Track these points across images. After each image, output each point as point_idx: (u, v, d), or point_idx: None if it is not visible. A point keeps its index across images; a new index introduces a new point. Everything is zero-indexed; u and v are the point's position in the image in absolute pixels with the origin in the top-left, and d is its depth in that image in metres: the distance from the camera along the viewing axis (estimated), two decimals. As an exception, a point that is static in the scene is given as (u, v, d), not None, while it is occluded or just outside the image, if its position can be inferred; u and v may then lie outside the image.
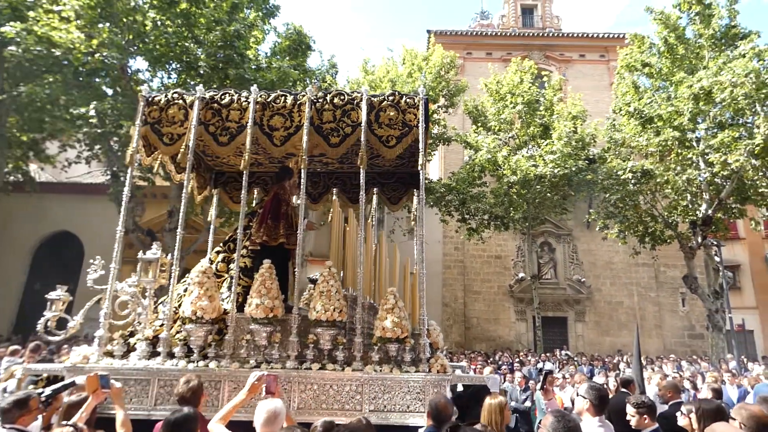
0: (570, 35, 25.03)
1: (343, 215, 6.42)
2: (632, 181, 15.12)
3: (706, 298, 15.07)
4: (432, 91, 17.09)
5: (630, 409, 3.29)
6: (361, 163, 5.02)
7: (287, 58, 15.31)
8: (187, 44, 12.90)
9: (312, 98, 5.05)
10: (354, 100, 5.13)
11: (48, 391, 3.31)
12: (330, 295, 4.68)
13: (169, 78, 14.16)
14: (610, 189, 15.78)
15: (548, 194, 17.08)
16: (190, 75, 13.33)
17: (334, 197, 6.86)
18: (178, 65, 13.40)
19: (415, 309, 5.26)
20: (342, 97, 5.16)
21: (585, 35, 24.91)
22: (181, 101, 5.12)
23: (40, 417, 3.28)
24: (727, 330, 15.17)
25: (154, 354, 4.63)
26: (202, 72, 12.87)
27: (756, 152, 12.80)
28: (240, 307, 4.82)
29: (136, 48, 13.23)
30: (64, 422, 3.00)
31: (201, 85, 13.11)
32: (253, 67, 14.03)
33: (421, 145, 5.09)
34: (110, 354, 4.67)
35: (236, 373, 4.41)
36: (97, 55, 12.37)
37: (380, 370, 4.48)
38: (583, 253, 21.51)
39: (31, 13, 12.03)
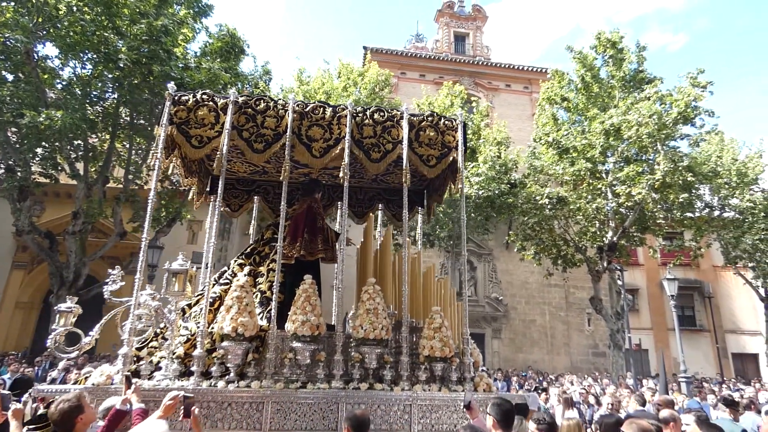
0: (498, 65, 26.45)
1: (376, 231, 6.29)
2: (548, 207, 16.07)
3: (609, 319, 16.25)
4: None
5: (531, 425, 3.42)
6: (405, 181, 5.05)
7: (218, 59, 14.69)
8: (106, 34, 11.95)
9: (352, 112, 5.03)
10: (394, 117, 5.18)
11: None
12: (377, 313, 4.57)
13: (83, 68, 13.03)
14: (529, 213, 16.67)
15: (472, 215, 17.73)
16: (108, 67, 12.35)
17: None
18: (95, 56, 12.36)
19: (455, 328, 5.19)
20: (382, 114, 5.18)
21: (511, 66, 26.44)
22: (211, 103, 4.84)
23: None
24: (626, 349, 16.44)
25: (183, 374, 4.30)
26: (122, 65, 11.97)
27: (656, 187, 14.12)
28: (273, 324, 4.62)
29: (45, 32, 12.05)
30: None
31: (120, 78, 12.13)
32: (181, 65, 13.29)
33: (460, 166, 5.20)
34: (137, 373, 4.30)
35: (281, 393, 4.20)
36: (-3, 36, 11.12)
37: (428, 389, 4.47)
38: (501, 272, 22.49)
39: None
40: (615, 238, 15.69)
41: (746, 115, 79.43)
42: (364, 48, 24.85)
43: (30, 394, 4.06)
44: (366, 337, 4.47)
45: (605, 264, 16.16)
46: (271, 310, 4.66)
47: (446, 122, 5.30)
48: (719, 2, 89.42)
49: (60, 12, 11.84)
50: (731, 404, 5.85)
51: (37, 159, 13.39)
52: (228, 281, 5.25)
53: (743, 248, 18.48)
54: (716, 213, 18.10)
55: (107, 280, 4.54)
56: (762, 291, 20.36)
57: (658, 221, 15.47)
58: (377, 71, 18.71)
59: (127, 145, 14.41)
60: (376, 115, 5.14)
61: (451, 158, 5.21)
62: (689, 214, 16.33)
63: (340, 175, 4.92)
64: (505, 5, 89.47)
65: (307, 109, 5.01)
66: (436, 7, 28.82)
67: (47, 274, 14.60)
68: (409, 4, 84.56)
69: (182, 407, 3.28)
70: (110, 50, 11.90)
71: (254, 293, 5.12)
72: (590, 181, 15.69)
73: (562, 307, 22.50)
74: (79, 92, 12.61)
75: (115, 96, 13.36)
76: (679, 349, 14.56)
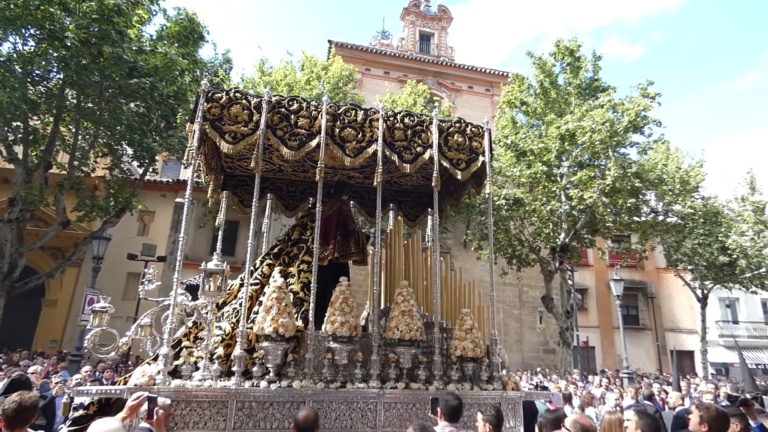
0: (462, 66, 26.78)
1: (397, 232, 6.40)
2: (505, 208, 16.41)
3: (559, 317, 16.81)
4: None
5: (479, 416, 3.63)
6: (436, 184, 5.21)
7: (175, 44, 14.15)
8: (51, 10, 11.22)
9: (384, 116, 5.23)
10: (423, 122, 5.40)
11: None
12: (412, 315, 4.74)
13: (24, 45, 12.18)
14: (486, 213, 16.96)
15: (432, 214, 17.85)
16: (53, 45, 11.62)
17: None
18: (38, 32, 11.58)
19: (482, 329, 5.32)
20: (412, 118, 5.40)
21: (475, 69, 26.83)
22: (244, 101, 4.93)
23: None
24: (575, 346, 17.06)
25: (224, 374, 4.37)
26: (69, 44, 11.27)
27: (606, 191, 14.70)
28: (306, 325, 4.72)
29: (-19, 4, 11.19)
30: None
31: (66, 57, 11.41)
32: (134, 48, 12.69)
33: (488, 171, 5.45)
34: (178, 374, 4.29)
35: (321, 393, 4.34)
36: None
37: (461, 388, 4.68)
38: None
39: None
40: (567, 240, 16.22)
41: (709, 121, 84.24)
42: (329, 42, 24.58)
43: (68, 393, 3.96)
44: (402, 338, 4.64)
45: (557, 264, 16.68)
46: (304, 310, 4.83)
47: (473, 129, 5.54)
48: (672, 17, 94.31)
49: (-1, -17, 11.03)
50: (744, 403, 5.61)
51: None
52: (258, 281, 5.36)
53: (683, 252, 19.58)
54: (660, 218, 19.07)
55: (144, 280, 4.50)
56: (699, 292, 21.61)
57: (607, 224, 16.10)
58: (341, 66, 18.54)
59: (73, 129, 13.63)
60: (406, 120, 5.36)
61: (479, 163, 5.45)
62: (636, 219, 17.08)
63: (376, 179, 5.06)
64: (471, 7, 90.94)
65: (340, 111, 5.17)
66: (402, 4, 28.86)
67: (-21, 264, 13.63)
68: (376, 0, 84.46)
69: (147, 408, 3.27)
70: (56, 27, 11.19)
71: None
72: (545, 183, 16.12)
73: (516, 305, 23.10)
74: (20, 70, 11.81)
75: (61, 76, 12.59)
76: (623, 346, 15.22)
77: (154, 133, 14.18)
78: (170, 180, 20.68)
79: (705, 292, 21.39)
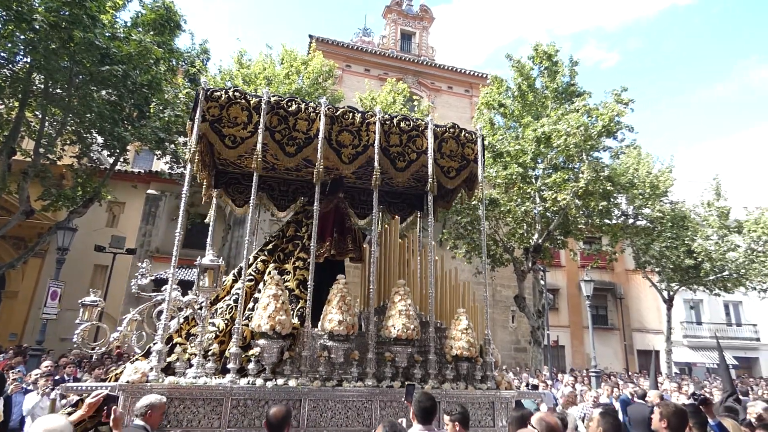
0: (442, 67, 26.92)
1: (391, 231, 6.34)
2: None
3: (531, 316, 17.08)
4: (308, 97, 16.86)
5: (446, 417, 3.66)
6: (432, 190, 5.19)
7: (151, 32, 13.76)
8: (19, -10, 10.76)
9: (380, 119, 5.17)
10: (419, 127, 5.35)
11: None
12: (409, 314, 4.76)
13: (-11, 25, 11.66)
14: (462, 212, 17.12)
15: (409, 212, 17.87)
16: (20, 28, 11.11)
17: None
18: (4, 13, 11.08)
19: (476, 328, 5.39)
20: (408, 123, 5.32)
21: (455, 69, 27.00)
22: (243, 101, 4.82)
23: None
24: (545, 345, 17.36)
25: (218, 371, 4.31)
26: (37, 27, 10.82)
27: (579, 194, 15.00)
28: (301, 323, 4.69)
29: (-57, -20, 10.65)
30: None
31: (34, 41, 10.99)
32: (107, 34, 12.28)
33: (480, 178, 5.52)
34: (170, 370, 4.22)
35: (318, 391, 4.31)
36: None
37: (456, 387, 4.74)
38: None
39: None
40: (540, 240, 16.47)
41: (683, 128, 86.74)
42: (310, 37, 24.38)
43: (57, 391, 3.92)
44: (398, 337, 4.65)
45: (530, 264, 16.93)
46: (300, 308, 4.80)
47: (467, 135, 5.60)
48: (649, 26, 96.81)
49: (-38, -41, 10.52)
50: (704, 402, 5.70)
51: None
52: (252, 278, 5.28)
53: (651, 254, 20.12)
54: (630, 221, 19.57)
55: (137, 274, 4.39)
56: (665, 294, 22.25)
57: (579, 226, 16.42)
58: (321, 61, 18.37)
59: (40, 115, 13.13)
60: (402, 124, 5.30)
61: (470, 171, 5.55)
62: (607, 221, 17.48)
63: (373, 182, 5.05)
64: (452, 8, 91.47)
65: (337, 113, 5.09)
66: (384, 2, 28.82)
67: (-64, 254, 13.04)
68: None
69: (106, 407, 3.35)
70: (24, 9, 10.71)
71: None
72: (521, 185, 16.34)
73: (489, 304, 23.33)
74: (-17, 52, 11.30)
75: (28, 60, 12.10)
76: (591, 345, 15.56)
77: (126, 122, 13.77)
78: (142, 171, 20.17)
79: (671, 293, 22.03)
